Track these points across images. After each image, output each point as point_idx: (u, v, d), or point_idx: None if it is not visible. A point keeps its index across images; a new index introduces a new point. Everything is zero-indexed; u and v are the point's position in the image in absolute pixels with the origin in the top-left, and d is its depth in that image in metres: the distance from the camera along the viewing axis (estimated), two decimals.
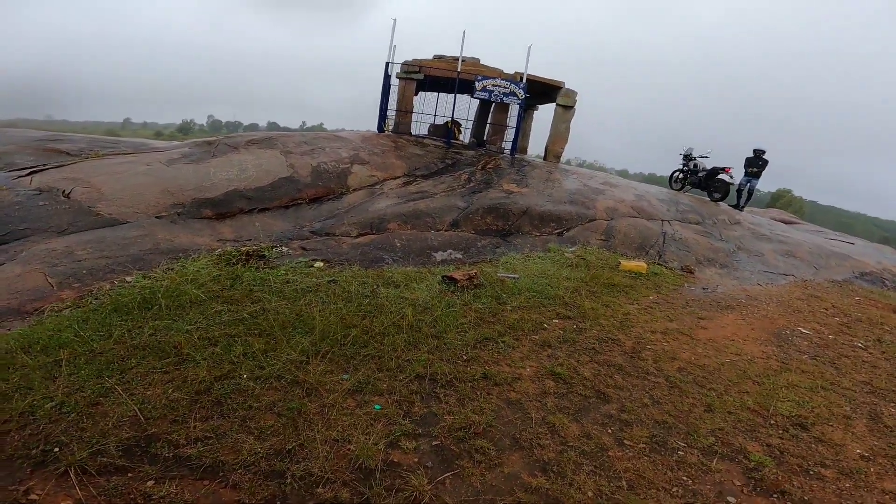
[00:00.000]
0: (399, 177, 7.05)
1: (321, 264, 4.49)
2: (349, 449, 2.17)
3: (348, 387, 2.65)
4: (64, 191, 4.65)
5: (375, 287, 4.02)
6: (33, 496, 1.87)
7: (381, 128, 9.35)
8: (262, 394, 2.51)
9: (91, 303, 3.38)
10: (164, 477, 1.97)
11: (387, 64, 9.08)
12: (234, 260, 4.24)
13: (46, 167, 5.23)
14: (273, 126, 59.75)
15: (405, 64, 9.05)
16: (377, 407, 2.53)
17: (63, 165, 5.32)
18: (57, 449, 2.06)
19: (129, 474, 1.98)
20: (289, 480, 1.97)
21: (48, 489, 1.89)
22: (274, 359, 2.81)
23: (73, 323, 3.07)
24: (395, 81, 9.14)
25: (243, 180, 5.70)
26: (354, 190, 6.28)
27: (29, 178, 4.89)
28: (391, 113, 9.36)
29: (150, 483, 1.94)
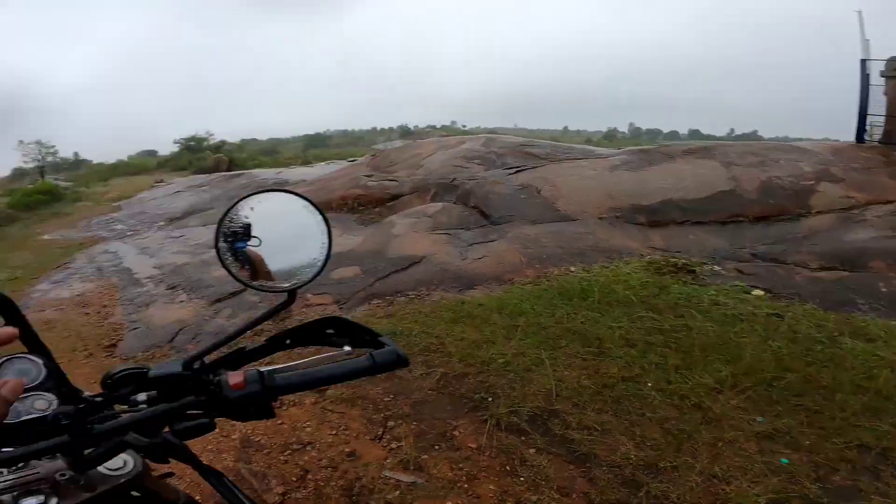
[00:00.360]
0: (893, 201, 5.15)
1: (760, 293, 3.87)
2: (724, 489, 1.93)
3: (759, 430, 2.27)
4: (537, 188, 5.92)
5: (836, 334, 3.13)
6: (456, 432, 2.40)
7: (860, 138, 7.17)
8: (659, 406, 2.45)
9: (544, 283, 4.14)
10: (544, 450, 2.19)
11: (862, 61, 6.87)
12: (662, 269, 4.24)
13: (525, 168, 6.81)
14: (695, 134, 56.63)
15: (891, 60, 6.59)
16: (784, 461, 2.11)
17: (536, 167, 6.77)
18: (490, 399, 2.57)
19: (523, 438, 2.28)
20: (641, 495, 1.89)
21: (468, 430, 2.38)
22: (684, 377, 2.66)
23: (530, 297, 3.82)
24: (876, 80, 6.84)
25: (678, 190, 5.59)
26: (818, 213, 5.04)
27: (515, 175, 6.50)
28: (876, 118, 7.06)
29: (531, 451, 2.20)
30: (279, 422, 2.61)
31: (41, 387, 0.67)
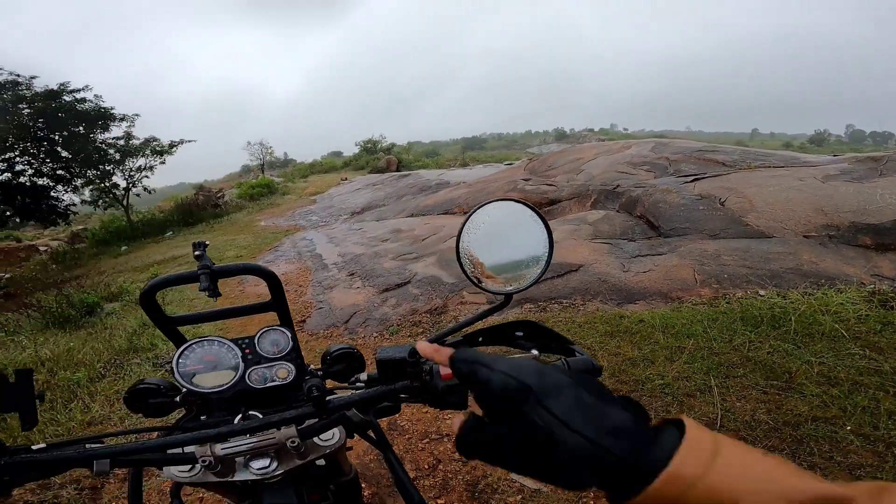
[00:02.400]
0: None
1: None
2: None
3: None
4: (720, 199, 5.22)
5: None
6: None
7: None
8: (855, 451, 2.12)
9: (723, 305, 3.65)
10: None
11: None
12: (890, 302, 3.38)
13: (705, 175, 6.05)
14: None
15: None
16: None
17: (719, 175, 5.97)
18: None
19: None
20: None
21: None
22: None
23: (703, 319, 3.43)
24: None
25: None
26: None
27: (692, 184, 5.82)
28: None
29: None
30: (424, 410, 2.80)
31: (286, 357, 0.80)
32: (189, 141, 16.63)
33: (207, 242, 0.87)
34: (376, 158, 26.69)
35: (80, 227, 20.44)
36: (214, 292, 0.75)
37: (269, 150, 35.58)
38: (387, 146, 32.22)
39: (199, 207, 15.60)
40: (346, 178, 20.17)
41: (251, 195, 17.80)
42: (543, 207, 6.88)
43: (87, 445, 0.57)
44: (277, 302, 0.85)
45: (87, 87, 12.78)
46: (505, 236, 0.73)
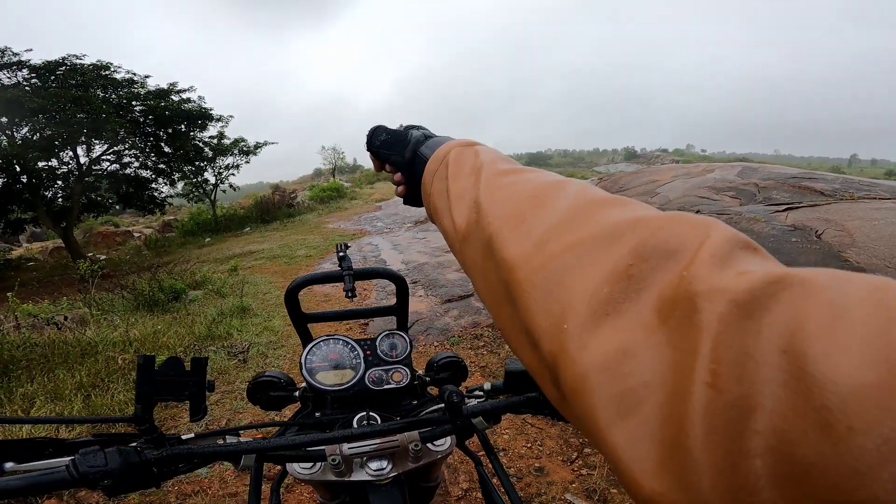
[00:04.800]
0: None
1: None
2: None
3: None
4: (816, 231, 4.76)
5: None
6: None
7: None
8: None
9: None
10: None
11: None
12: None
13: (800, 205, 5.55)
14: None
15: None
16: None
17: (816, 205, 5.45)
18: None
19: None
20: None
21: None
22: None
23: None
24: None
25: None
26: None
27: (784, 213, 5.36)
28: None
29: None
30: None
31: (402, 361, 0.82)
32: (272, 143, 17.80)
33: (350, 244, 0.92)
34: None
35: (171, 217, 22.50)
36: (353, 292, 0.79)
37: (341, 156, 37.32)
38: None
39: (275, 206, 16.63)
40: None
41: (321, 198, 18.71)
42: None
43: (228, 438, 0.60)
44: (401, 306, 0.89)
45: (192, 87, 14.06)
46: None
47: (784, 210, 5.46)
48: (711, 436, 0.18)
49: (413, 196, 0.60)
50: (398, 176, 0.60)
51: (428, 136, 0.58)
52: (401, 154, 0.58)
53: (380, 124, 0.62)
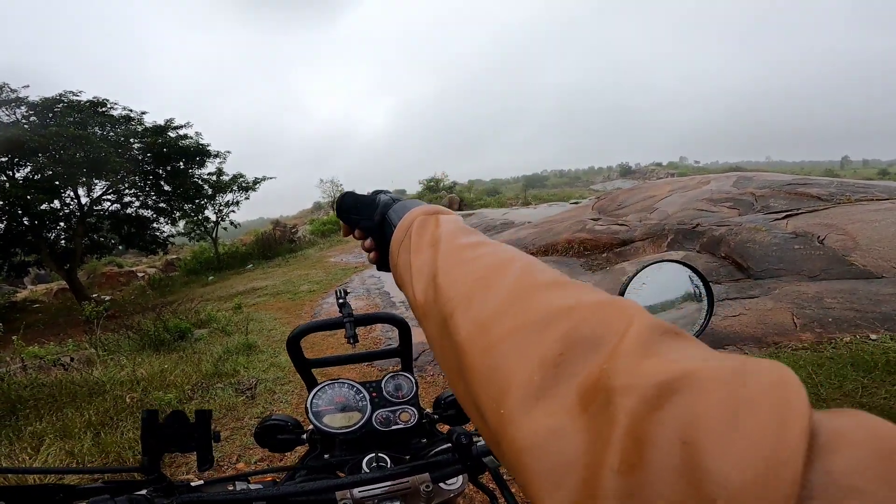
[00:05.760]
0: None
1: None
2: None
3: None
4: (818, 236, 4.77)
5: None
6: None
7: None
8: None
9: (828, 350, 3.32)
10: None
11: None
12: None
13: (799, 211, 5.58)
14: None
15: None
16: None
17: (815, 210, 5.49)
18: None
19: None
20: None
21: None
22: None
23: (807, 364, 3.14)
24: None
25: None
26: None
27: (784, 221, 5.39)
28: None
29: None
30: None
31: (409, 401, 0.82)
32: (270, 178, 18.02)
33: (349, 290, 0.93)
34: (439, 197, 27.34)
35: (174, 256, 22.59)
36: (355, 338, 0.80)
37: (339, 188, 37.77)
38: (449, 185, 32.97)
39: (277, 242, 16.72)
40: None
41: (322, 231, 18.83)
42: (615, 248, 6.65)
43: (237, 485, 0.60)
44: (404, 349, 0.89)
45: (188, 123, 14.31)
46: (667, 292, 0.72)
47: (784, 217, 5.50)
48: None
49: (384, 261, 0.58)
50: (368, 242, 0.60)
51: (396, 200, 0.58)
52: (370, 218, 0.58)
53: (348, 191, 0.63)
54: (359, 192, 0.62)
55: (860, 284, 4.00)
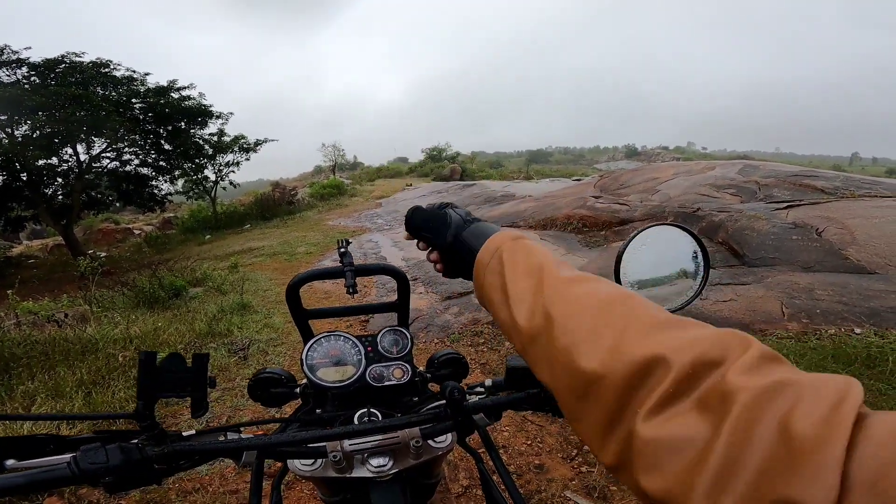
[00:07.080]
0: None
1: None
2: None
3: None
4: (816, 229, 4.76)
5: None
6: None
7: None
8: None
9: (812, 341, 3.35)
10: None
11: None
12: None
13: (801, 203, 5.55)
14: None
15: None
16: None
17: (817, 203, 5.45)
18: None
19: None
20: None
21: None
22: None
23: (790, 353, 3.18)
24: None
25: None
26: None
27: (785, 211, 5.36)
28: None
29: None
30: None
31: (403, 357, 0.82)
32: (272, 140, 17.77)
33: (351, 241, 0.91)
34: (441, 166, 27.04)
35: (171, 214, 22.49)
36: (354, 288, 0.78)
37: (341, 153, 37.31)
38: (452, 155, 32.57)
39: (275, 203, 16.61)
40: (410, 184, 20.62)
41: (322, 195, 18.68)
42: (614, 227, 6.62)
43: (229, 435, 0.60)
44: (402, 303, 0.88)
45: (191, 84, 14.04)
46: (663, 257, 0.74)
47: (785, 208, 5.46)
48: (718, 480, 0.28)
49: (451, 271, 0.64)
50: (434, 255, 0.65)
51: (467, 220, 0.62)
52: (442, 236, 0.62)
53: (417, 205, 0.68)
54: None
55: (852, 279, 4.02)
